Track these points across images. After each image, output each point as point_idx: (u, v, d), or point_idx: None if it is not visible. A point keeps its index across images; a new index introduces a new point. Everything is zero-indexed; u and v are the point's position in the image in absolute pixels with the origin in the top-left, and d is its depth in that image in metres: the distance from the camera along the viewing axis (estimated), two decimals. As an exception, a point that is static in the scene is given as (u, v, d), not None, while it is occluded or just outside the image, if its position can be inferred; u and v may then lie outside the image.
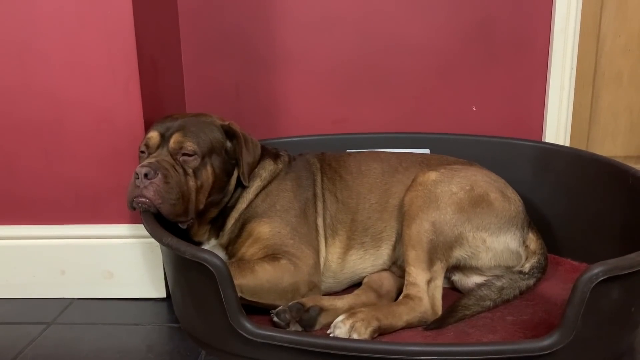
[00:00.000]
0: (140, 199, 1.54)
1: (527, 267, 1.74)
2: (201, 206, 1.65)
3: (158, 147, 1.63)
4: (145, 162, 1.57)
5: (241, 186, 1.74)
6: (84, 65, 1.77)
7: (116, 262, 1.89)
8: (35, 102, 1.81)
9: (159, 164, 1.56)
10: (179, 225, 1.64)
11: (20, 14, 1.75)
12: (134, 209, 1.58)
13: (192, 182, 1.60)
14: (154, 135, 1.64)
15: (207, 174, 1.64)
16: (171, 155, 1.61)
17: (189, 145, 1.61)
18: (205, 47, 2.33)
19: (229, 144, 1.71)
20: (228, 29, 2.32)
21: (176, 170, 1.58)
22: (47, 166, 1.86)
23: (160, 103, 1.98)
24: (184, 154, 1.61)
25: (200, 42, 2.32)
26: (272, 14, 2.30)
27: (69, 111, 1.81)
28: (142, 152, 1.66)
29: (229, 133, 1.71)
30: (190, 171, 1.61)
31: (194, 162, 1.61)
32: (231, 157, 1.72)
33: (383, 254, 1.80)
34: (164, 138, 1.63)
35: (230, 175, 1.72)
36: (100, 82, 1.78)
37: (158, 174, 1.53)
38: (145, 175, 1.52)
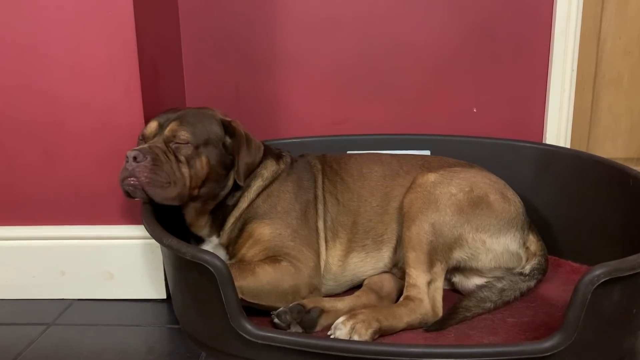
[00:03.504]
0: (129, 180, 1.56)
1: (527, 268, 1.74)
2: (194, 193, 1.66)
3: (155, 135, 1.66)
4: (138, 147, 1.60)
5: (242, 184, 1.75)
6: (85, 66, 1.77)
7: (116, 263, 1.89)
8: (36, 102, 1.81)
9: (150, 149, 1.59)
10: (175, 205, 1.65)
11: (20, 15, 1.75)
12: (127, 193, 1.59)
13: (184, 169, 1.62)
14: (152, 125, 1.68)
15: (202, 164, 1.65)
16: (165, 143, 1.63)
17: (182, 134, 1.63)
18: (206, 48, 2.33)
19: (228, 139, 1.72)
20: (229, 30, 2.32)
21: (167, 156, 1.60)
22: (47, 167, 1.85)
23: (160, 104, 1.98)
24: (176, 142, 1.63)
25: (201, 43, 2.32)
26: (273, 16, 2.30)
27: (69, 112, 1.81)
28: (141, 140, 1.69)
29: (229, 129, 1.71)
30: (182, 159, 1.62)
31: (186, 150, 1.63)
32: (230, 152, 1.72)
33: (384, 257, 1.80)
34: (162, 127, 1.66)
35: (228, 169, 1.72)
36: (101, 82, 1.78)
37: (147, 157, 1.56)
38: (135, 158, 1.55)
